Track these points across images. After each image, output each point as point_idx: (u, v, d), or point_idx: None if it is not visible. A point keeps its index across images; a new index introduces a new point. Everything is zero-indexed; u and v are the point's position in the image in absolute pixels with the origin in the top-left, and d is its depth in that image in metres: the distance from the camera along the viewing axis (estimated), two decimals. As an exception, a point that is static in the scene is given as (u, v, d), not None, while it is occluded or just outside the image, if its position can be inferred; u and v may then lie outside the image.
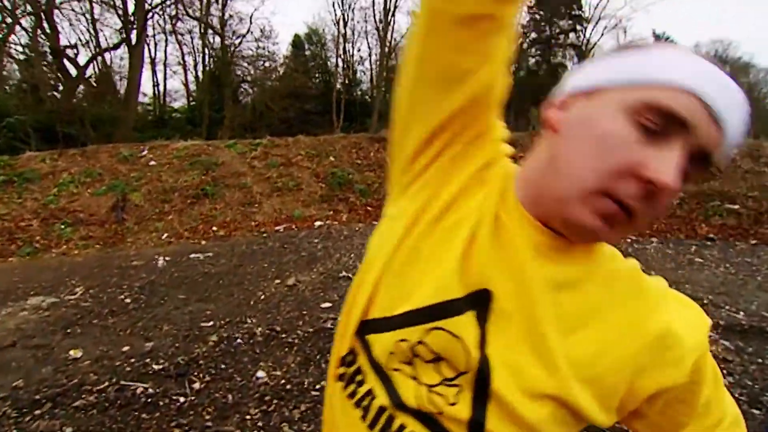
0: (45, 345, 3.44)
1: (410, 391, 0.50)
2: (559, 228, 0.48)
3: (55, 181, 8.80)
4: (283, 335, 3.36)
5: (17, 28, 15.34)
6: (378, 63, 23.54)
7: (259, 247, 6.34)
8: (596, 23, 24.41)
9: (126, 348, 3.28)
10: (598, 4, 25.21)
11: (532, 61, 26.29)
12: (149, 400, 2.57)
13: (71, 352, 3.26)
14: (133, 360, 3.07)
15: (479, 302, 0.48)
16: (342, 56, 24.67)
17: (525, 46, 25.20)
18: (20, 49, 16.42)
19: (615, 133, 0.42)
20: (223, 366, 2.94)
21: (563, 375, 0.46)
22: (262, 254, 5.94)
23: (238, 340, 3.30)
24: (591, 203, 0.43)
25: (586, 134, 0.45)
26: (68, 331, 3.69)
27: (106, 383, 2.76)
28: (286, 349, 3.15)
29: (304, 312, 3.81)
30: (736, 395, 2.41)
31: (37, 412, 2.50)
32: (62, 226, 7.59)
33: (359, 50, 33.08)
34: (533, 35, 25.44)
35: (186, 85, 23.39)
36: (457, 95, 0.48)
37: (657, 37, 23.85)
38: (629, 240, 6.48)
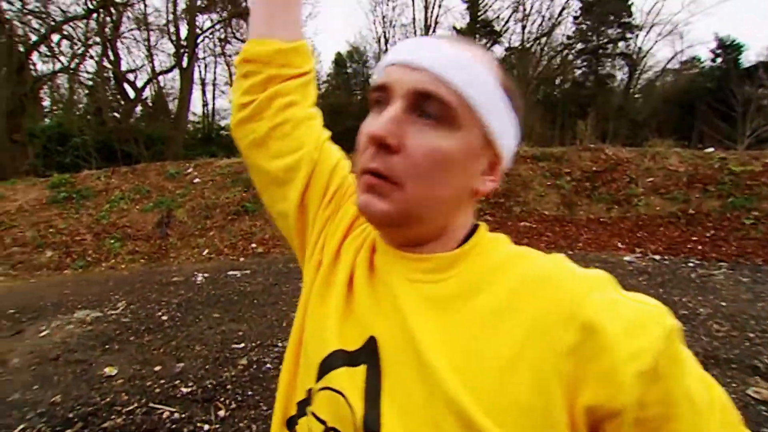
0: (84, 360, 3.51)
1: None
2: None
3: (107, 197, 9.30)
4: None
5: (86, 56, 16.63)
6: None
7: (295, 266, 6.34)
8: (649, 30, 23.26)
9: (158, 368, 3.28)
10: (650, 11, 24.18)
11: (578, 72, 25.46)
12: (174, 426, 2.52)
13: (107, 370, 3.31)
14: (163, 381, 3.06)
15: (369, 353, 0.46)
16: (383, 73, 24.91)
17: (570, 57, 24.47)
18: (87, 75, 17.79)
19: (366, 121, 0.49)
20: (250, 393, 2.87)
21: (461, 408, 0.38)
22: (298, 273, 5.91)
23: (267, 365, 3.23)
24: (358, 186, 0.48)
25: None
26: (107, 347, 3.77)
27: (135, 404, 2.75)
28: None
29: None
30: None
31: (68, 431, 2.52)
32: (112, 241, 7.95)
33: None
34: (579, 46, 24.63)
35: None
36: (295, 184, 0.61)
37: (720, 41, 22.44)
38: (691, 265, 5.90)
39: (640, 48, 23.90)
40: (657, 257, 6.22)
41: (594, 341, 0.37)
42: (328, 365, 0.48)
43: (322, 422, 0.46)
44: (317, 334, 0.51)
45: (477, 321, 0.43)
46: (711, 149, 9.76)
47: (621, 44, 24.43)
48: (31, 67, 15.72)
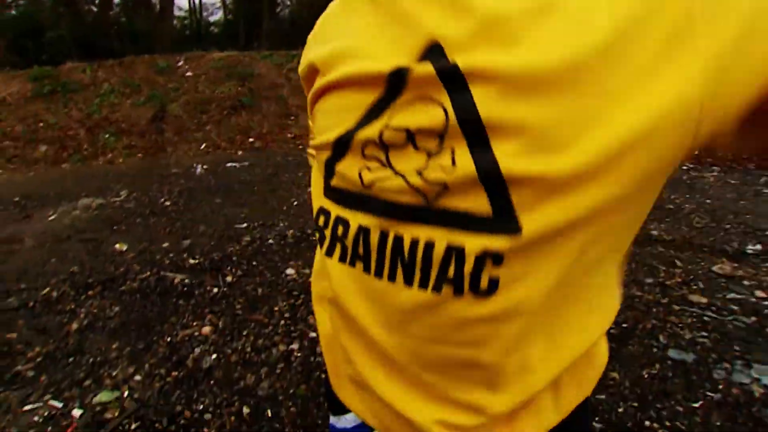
0: (95, 239, 3.65)
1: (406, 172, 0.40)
2: None
3: (96, 91, 8.94)
4: (314, 238, 3.39)
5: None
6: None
7: (294, 158, 6.32)
8: None
9: (165, 244, 3.43)
10: None
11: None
12: (185, 289, 2.70)
13: (117, 246, 3.45)
14: (171, 255, 3.21)
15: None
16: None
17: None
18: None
19: None
20: (254, 263, 3.03)
21: None
22: (297, 165, 5.92)
23: (270, 241, 3.37)
24: None
25: None
26: (114, 228, 3.89)
27: (148, 273, 2.92)
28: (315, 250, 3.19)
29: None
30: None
31: (90, 292, 2.70)
32: (107, 135, 7.81)
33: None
34: None
35: None
36: None
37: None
38: (685, 168, 5.89)
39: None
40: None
41: None
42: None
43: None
44: None
45: None
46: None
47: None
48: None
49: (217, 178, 5.42)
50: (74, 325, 2.38)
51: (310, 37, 0.53)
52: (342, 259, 0.47)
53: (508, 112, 0.34)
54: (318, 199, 0.52)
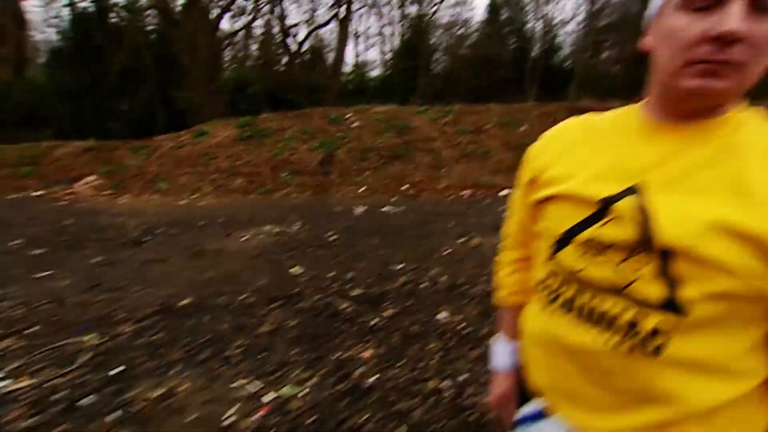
0: (276, 260, 4.34)
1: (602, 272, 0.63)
2: (682, 109, 0.61)
3: (281, 137, 10.70)
4: (465, 287, 3.52)
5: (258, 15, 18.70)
6: (584, 25, 21.14)
7: (445, 208, 6.64)
8: None
9: (332, 273, 3.90)
10: None
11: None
12: (349, 316, 3.04)
13: (293, 269, 4.05)
14: (336, 284, 3.65)
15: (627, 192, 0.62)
16: (542, 19, 22.90)
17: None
18: (259, 31, 20.09)
19: (678, 25, 0.56)
20: (408, 303, 3.26)
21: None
22: (448, 215, 6.21)
23: (424, 284, 3.60)
24: (686, 74, 0.56)
25: (663, 38, 0.59)
26: (290, 253, 4.57)
27: (319, 296, 3.37)
28: (467, 299, 3.30)
29: (487, 271, 3.89)
30: None
31: (274, 305, 3.23)
32: (285, 174, 9.24)
33: (562, 11, 30.12)
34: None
35: (383, 54, 25.08)
36: None
37: None
38: None
39: None
40: None
41: None
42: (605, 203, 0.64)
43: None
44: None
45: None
46: None
47: None
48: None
49: (373, 220, 5.98)
50: (264, 328, 2.87)
51: (532, 150, 0.80)
52: (557, 310, 0.70)
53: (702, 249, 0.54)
54: (542, 268, 0.75)
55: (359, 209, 6.57)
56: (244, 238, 5.26)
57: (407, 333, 2.79)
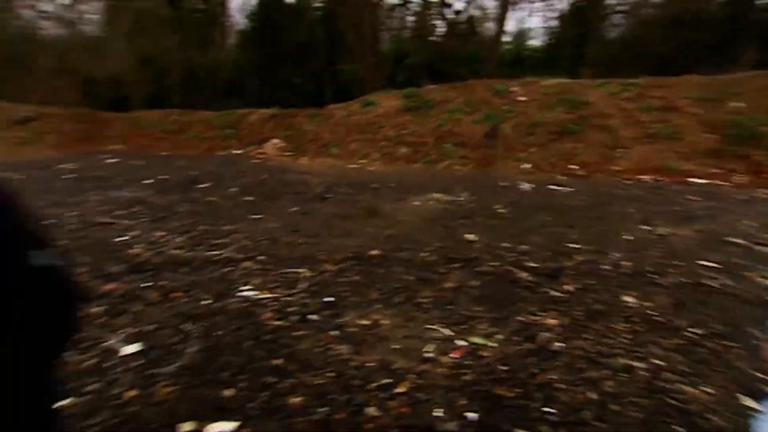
0: (449, 226, 4.63)
1: None
2: None
3: (445, 108, 10.91)
4: (653, 275, 3.32)
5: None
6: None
7: (621, 192, 6.15)
8: None
9: (505, 244, 4.03)
10: None
11: None
12: (529, 285, 3.16)
13: (467, 236, 4.28)
14: (512, 254, 3.77)
15: None
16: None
17: None
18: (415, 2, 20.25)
19: None
20: (588, 281, 3.23)
21: None
22: (625, 199, 5.75)
23: (604, 266, 3.49)
24: None
25: None
26: (462, 221, 4.81)
27: (497, 262, 3.55)
28: (656, 287, 3.13)
29: (676, 262, 3.59)
30: None
31: (454, 265, 3.52)
32: (448, 145, 9.48)
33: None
34: None
35: (545, 21, 23.05)
36: None
37: None
38: None
39: None
40: None
41: None
42: None
43: None
44: None
45: None
46: None
47: None
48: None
49: (541, 197, 5.86)
50: (448, 284, 3.17)
51: None
52: None
53: None
54: None
55: (525, 185, 6.48)
56: (416, 203, 5.68)
57: (591, 309, 2.80)
